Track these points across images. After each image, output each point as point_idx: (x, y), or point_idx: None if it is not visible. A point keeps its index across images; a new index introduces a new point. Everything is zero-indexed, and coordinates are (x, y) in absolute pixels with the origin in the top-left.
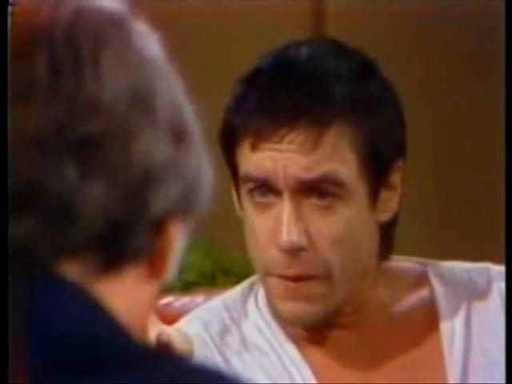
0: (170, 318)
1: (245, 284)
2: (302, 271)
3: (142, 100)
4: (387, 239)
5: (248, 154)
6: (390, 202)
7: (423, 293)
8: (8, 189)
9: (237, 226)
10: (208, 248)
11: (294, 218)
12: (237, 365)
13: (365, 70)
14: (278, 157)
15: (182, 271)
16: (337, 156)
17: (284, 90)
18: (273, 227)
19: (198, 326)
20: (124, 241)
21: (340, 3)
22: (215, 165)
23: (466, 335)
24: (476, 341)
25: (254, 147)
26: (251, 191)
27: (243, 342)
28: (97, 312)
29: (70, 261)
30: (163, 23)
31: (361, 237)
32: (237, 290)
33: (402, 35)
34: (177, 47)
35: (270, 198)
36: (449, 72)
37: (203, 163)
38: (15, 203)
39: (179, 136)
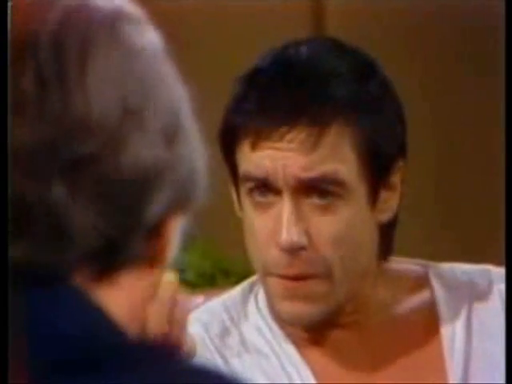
0: None
1: (245, 284)
2: (301, 270)
3: (133, 104)
4: (387, 239)
5: (248, 154)
6: (390, 202)
7: (424, 294)
8: (8, 205)
9: (236, 227)
10: (207, 249)
11: (293, 218)
12: (236, 366)
13: (365, 69)
14: (277, 156)
15: (181, 272)
16: (337, 155)
17: (284, 89)
18: (273, 227)
19: (197, 327)
20: (120, 251)
21: (339, 3)
22: (214, 166)
23: (466, 337)
24: (476, 342)
25: (253, 146)
26: (251, 191)
27: (243, 343)
28: (95, 312)
29: (67, 273)
30: (163, 23)
31: (361, 236)
32: (237, 291)
33: (401, 35)
34: (176, 47)
35: (270, 198)
36: (449, 72)
37: (198, 160)
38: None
39: (174, 137)
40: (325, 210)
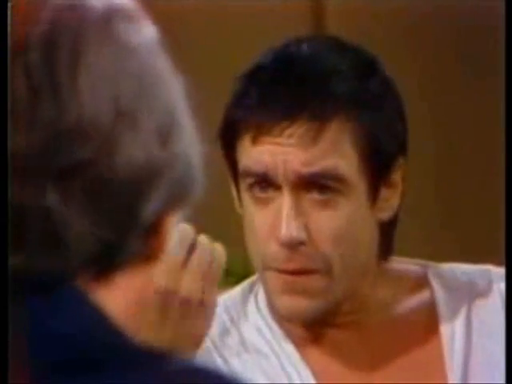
0: None
1: (245, 284)
2: (301, 265)
3: (127, 104)
4: (387, 239)
5: (248, 149)
6: (391, 200)
7: (423, 294)
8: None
9: (235, 226)
10: None
11: (293, 213)
12: (236, 366)
13: (366, 67)
14: (277, 151)
15: None
16: (337, 151)
17: (285, 85)
18: (272, 222)
19: None
20: (117, 253)
21: (339, 3)
22: (213, 164)
23: (466, 336)
24: (476, 342)
25: (254, 141)
26: (251, 186)
27: (243, 342)
28: (94, 313)
29: (64, 278)
30: (162, 22)
31: (361, 233)
32: (236, 291)
33: (401, 35)
34: (176, 46)
35: (270, 193)
36: (448, 72)
37: (194, 157)
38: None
39: (167, 134)
40: (325, 205)
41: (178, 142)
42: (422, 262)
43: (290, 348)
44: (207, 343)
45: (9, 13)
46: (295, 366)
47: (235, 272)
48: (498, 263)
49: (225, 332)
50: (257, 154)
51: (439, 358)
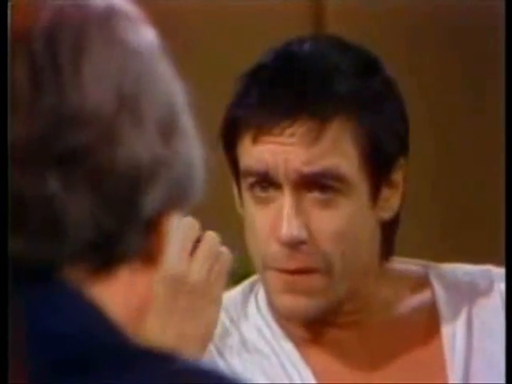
0: None
1: (245, 284)
2: (301, 264)
3: (129, 101)
4: (388, 239)
5: (249, 148)
6: (392, 200)
7: (424, 295)
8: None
9: (235, 227)
10: None
11: (294, 212)
12: (236, 366)
13: (368, 66)
14: (278, 150)
15: None
16: (338, 150)
17: (286, 84)
18: (273, 221)
19: None
20: (116, 245)
21: (339, 3)
22: (214, 166)
23: (467, 337)
24: (477, 342)
25: (255, 140)
26: (252, 186)
27: (242, 343)
28: (93, 313)
29: (63, 268)
30: (162, 23)
31: (362, 233)
32: (237, 291)
33: (400, 35)
34: (176, 46)
35: (271, 193)
36: (448, 72)
37: (195, 156)
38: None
39: (169, 132)
40: (326, 205)
41: (180, 141)
42: (423, 262)
43: (290, 348)
44: None
45: (9, 12)
46: (296, 366)
47: (234, 272)
48: (498, 263)
49: (225, 332)
50: (258, 153)
51: (440, 358)
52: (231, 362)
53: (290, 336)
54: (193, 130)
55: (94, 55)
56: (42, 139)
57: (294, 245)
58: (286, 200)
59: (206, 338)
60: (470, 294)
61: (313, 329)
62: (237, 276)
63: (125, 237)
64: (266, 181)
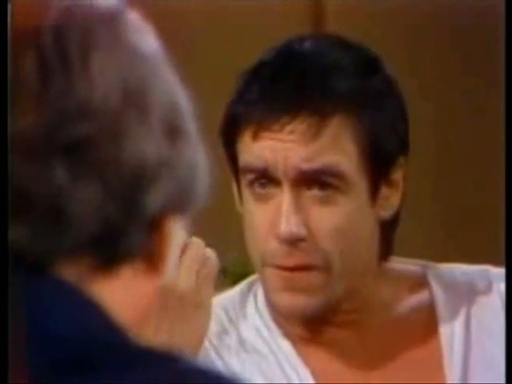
0: None
1: (243, 284)
2: (300, 261)
3: (135, 98)
4: (388, 238)
5: (249, 144)
6: (391, 199)
7: (423, 295)
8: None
9: (234, 226)
10: None
11: (293, 209)
12: (235, 365)
13: (368, 65)
14: (278, 147)
15: None
16: (337, 147)
17: (286, 81)
18: (272, 218)
19: None
20: (119, 241)
21: (339, 3)
22: (214, 164)
23: (465, 337)
24: (476, 342)
25: (254, 137)
26: (251, 183)
27: (241, 342)
28: (94, 312)
29: (65, 262)
30: (163, 23)
31: (361, 231)
32: (235, 291)
33: (401, 34)
34: (176, 47)
35: (270, 190)
36: (448, 71)
37: (199, 159)
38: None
39: (174, 132)
40: (325, 202)
41: (184, 141)
42: (422, 262)
43: (288, 347)
44: (205, 343)
45: (9, 8)
46: (294, 366)
47: (233, 272)
48: (497, 263)
49: (223, 332)
50: (257, 149)
51: (438, 358)
52: (229, 361)
53: (288, 335)
54: (197, 135)
55: (101, 52)
56: (49, 129)
57: (292, 242)
58: (285, 197)
59: (197, 342)
60: (469, 294)
61: (311, 328)
62: (236, 276)
63: (128, 234)
64: (266, 177)
